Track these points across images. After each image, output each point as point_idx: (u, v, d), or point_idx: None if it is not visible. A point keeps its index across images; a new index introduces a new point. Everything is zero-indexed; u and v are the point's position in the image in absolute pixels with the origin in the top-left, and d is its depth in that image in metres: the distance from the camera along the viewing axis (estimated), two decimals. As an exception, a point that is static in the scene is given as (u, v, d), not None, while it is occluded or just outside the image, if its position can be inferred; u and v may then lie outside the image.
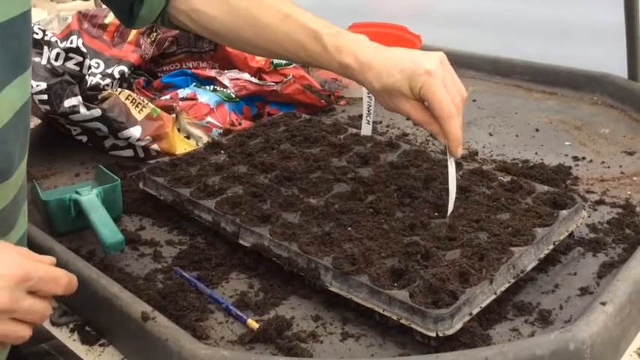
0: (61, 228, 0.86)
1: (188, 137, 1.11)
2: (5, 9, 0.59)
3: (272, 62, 1.28)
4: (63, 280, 0.59)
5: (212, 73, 1.24)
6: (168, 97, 1.16)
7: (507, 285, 0.68)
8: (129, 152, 1.08)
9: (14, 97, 0.62)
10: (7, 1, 0.59)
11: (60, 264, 0.64)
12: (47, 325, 0.75)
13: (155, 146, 1.06)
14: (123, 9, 0.83)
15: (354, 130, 1.05)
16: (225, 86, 1.20)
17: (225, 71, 1.26)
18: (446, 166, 0.78)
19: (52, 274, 0.59)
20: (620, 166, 0.99)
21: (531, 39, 1.41)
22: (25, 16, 0.62)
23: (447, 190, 0.79)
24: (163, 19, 0.86)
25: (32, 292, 0.56)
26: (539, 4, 1.48)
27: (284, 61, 1.28)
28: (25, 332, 0.56)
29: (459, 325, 0.62)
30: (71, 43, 1.13)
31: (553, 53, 1.33)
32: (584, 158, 1.02)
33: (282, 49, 0.81)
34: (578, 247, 0.79)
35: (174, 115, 1.10)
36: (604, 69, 1.27)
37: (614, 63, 1.25)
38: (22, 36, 0.62)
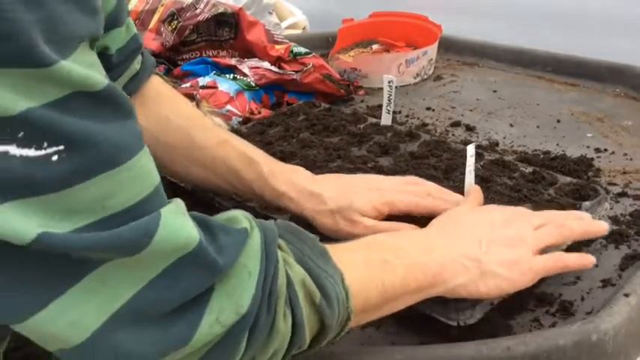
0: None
1: (208, 125, 1.12)
2: None
3: (291, 51, 1.27)
4: None
5: (232, 61, 1.24)
6: (188, 85, 1.16)
7: (529, 275, 0.68)
8: (149, 139, 1.08)
9: None
10: None
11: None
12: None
13: (175, 134, 1.07)
14: None
15: (374, 120, 1.05)
16: (245, 75, 1.20)
17: (245, 60, 1.26)
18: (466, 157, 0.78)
19: None
20: (643, 159, 0.98)
21: (554, 30, 1.39)
22: None
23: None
24: None
25: None
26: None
27: (304, 50, 1.28)
28: None
29: (480, 315, 0.62)
30: (93, 30, 1.14)
31: (576, 45, 1.32)
32: (606, 150, 1.01)
33: (214, 175, 0.77)
34: (600, 239, 0.78)
35: (194, 103, 1.11)
36: (628, 61, 1.25)
37: (638, 55, 1.24)
38: None
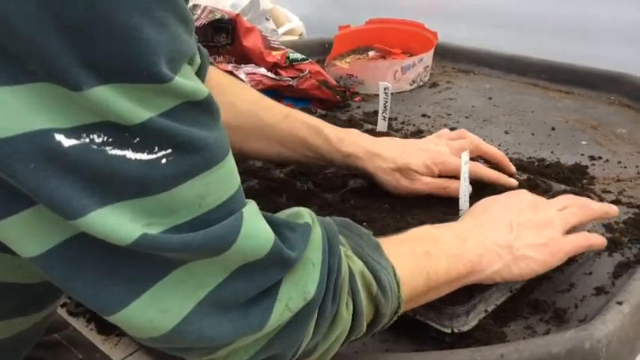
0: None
1: (204, 131, 1.12)
2: None
3: (288, 57, 1.28)
4: None
5: (229, 67, 1.24)
6: (184, 90, 1.16)
7: (523, 283, 0.68)
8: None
9: None
10: None
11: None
12: (64, 314, 0.76)
13: (171, 139, 1.07)
14: None
15: (370, 126, 1.05)
16: (241, 80, 1.20)
17: (242, 65, 1.26)
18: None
19: None
20: (637, 167, 0.98)
21: (549, 37, 1.40)
22: None
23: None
24: None
25: None
26: (557, 2, 1.47)
27: (300, 56, 1.28)
28: None
29: (474, 322, 0.63)
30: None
31: (571, 52, 1.32)
32: (600, 158, 1.01)
33: (284, 147, 0.84)
34: (594, 246, 0.79)
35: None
36: (623, 69, 1.26)
37: (633, 63, 1.24)
38: None
